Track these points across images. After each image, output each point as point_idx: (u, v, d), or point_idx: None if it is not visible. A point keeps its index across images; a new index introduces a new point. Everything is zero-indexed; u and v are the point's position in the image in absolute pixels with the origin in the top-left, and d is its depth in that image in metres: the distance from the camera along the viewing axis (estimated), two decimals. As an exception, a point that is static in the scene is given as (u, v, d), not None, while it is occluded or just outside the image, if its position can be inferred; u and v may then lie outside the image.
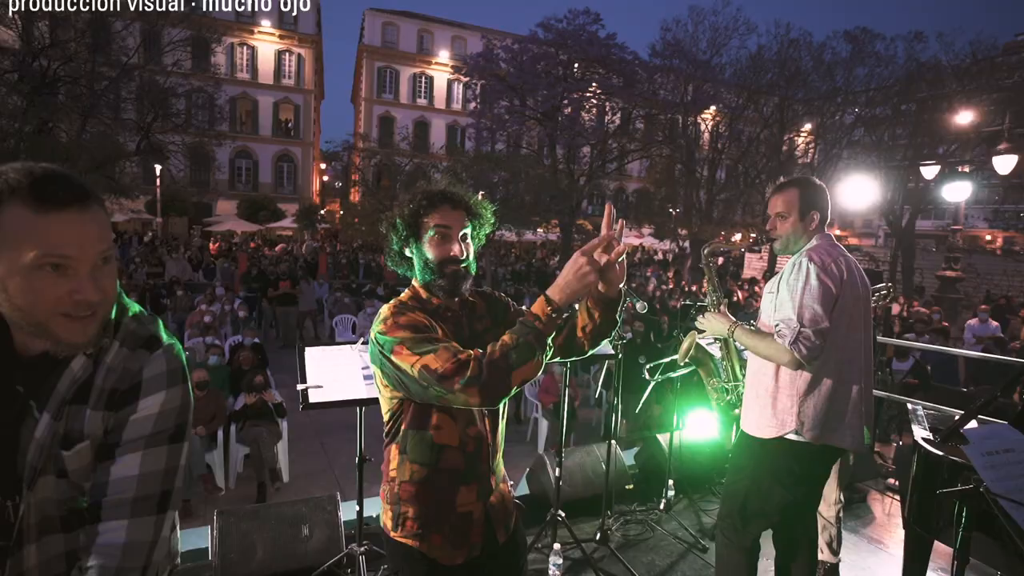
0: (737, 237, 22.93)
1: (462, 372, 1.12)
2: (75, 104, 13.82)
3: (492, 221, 1.42)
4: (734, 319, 2.02)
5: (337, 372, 2.16)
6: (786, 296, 1.81)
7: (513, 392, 1.16)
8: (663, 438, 3.53)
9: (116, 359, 0.87)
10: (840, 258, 1.85)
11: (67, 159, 11.29)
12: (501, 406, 1.39)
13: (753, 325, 1.99)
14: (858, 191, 11.54)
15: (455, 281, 1.31)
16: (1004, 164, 9.35)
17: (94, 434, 0.85)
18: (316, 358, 2.17)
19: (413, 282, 1.38)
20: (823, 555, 2.63)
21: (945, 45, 19.97)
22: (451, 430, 1.30)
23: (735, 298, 12.11)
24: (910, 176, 19.24)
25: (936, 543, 1.96)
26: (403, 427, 1.32)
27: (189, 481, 4.38)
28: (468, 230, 1.34)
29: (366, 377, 2.19)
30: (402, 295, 1.37)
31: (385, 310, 1.30)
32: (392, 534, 1.35)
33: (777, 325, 1.81)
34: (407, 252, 1.36)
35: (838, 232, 38.39)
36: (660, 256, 30.84)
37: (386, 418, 1.36)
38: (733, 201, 24.95)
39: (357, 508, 2.35)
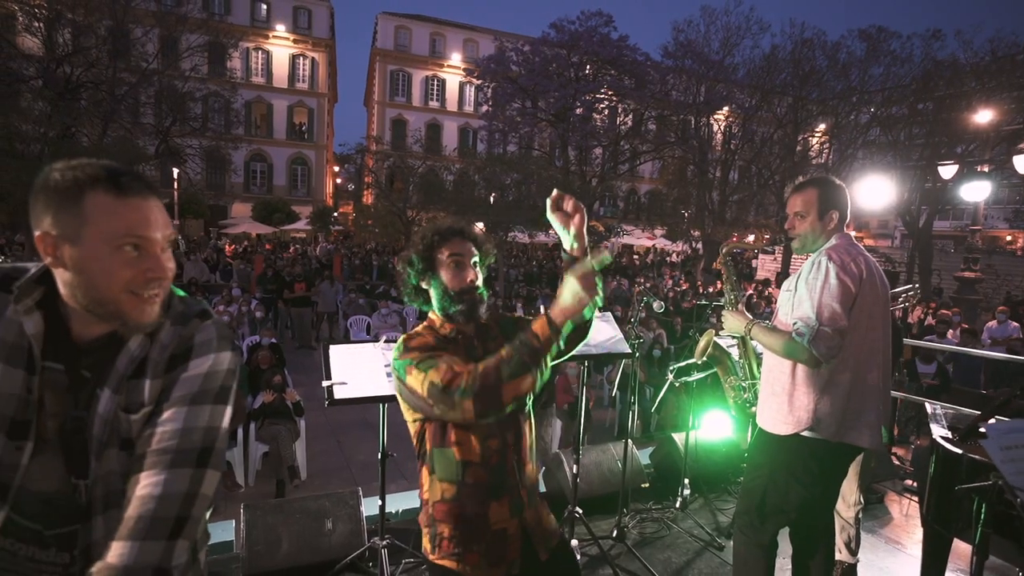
0: (750, 238, 22.74)
1: (457, 382, 1.17)
2: (97, 109, 14.14)
3: (494, 252, 1.51)
4: (752, 317, 2.04)
5: (360, 370, 2.22)
6: (805, 294, 1.82)
7: (508, 408, 1.18)
8: (679, 437, 3.55)
9: (168, 335, 0.93)
10: (859, 257, 1.87)
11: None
12: (525, 418, 1.43)
13: (770, 324, 2.01)
14: (874, 191, 11.42)
15: (473, 306, 1.39)
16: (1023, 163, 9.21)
17: (146, 400, 0.90)
18: (340, 356, 2.23)
19: (431, 314, 1.45)
20: (841, 555, 2.63)
21: (964, 43, 19.67)
22: (471, 445, 1.33)
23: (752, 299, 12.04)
24: (927, 176, 18.96)
25: (956, 542, 1.96)
26: (428, 447, 1.37)
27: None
28: (476, 259, 1.42)
29: (388, 375, 2.25)
30: (418, 327, 1.44)
31: (401, 339, 1.37)
32: (431, 557, 1.37)
33: (796, 323, 1.82)
34: (423, 285, 1.43)
35: (853, 233, 37.74)
36: (674, 258, 30.66)
37: (415, 442, 1.41)
38: (746, 202, 24.75)
39: (380, 503, 2.40)
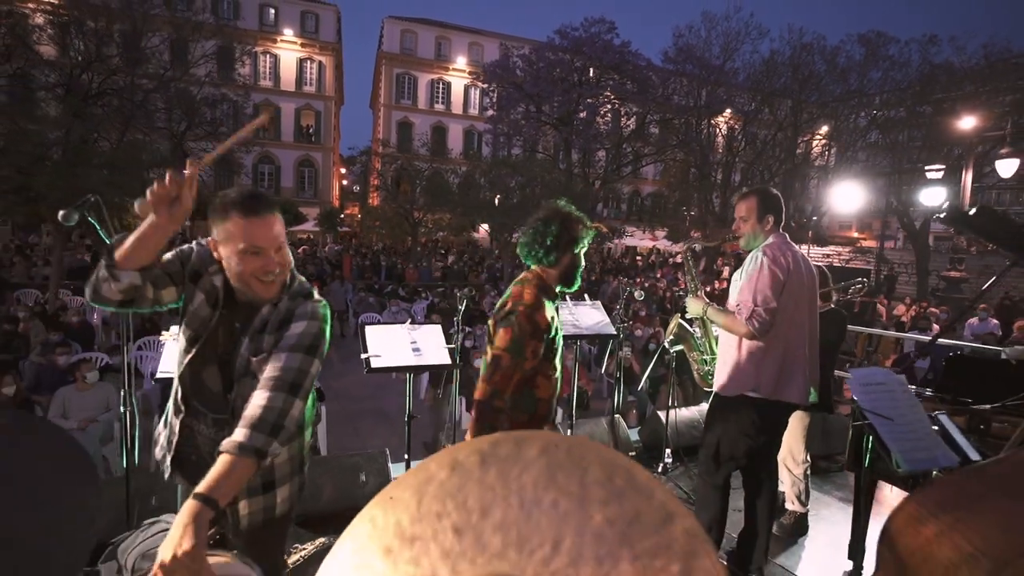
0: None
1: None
2: (117, 115, 14.68)
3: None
4: (708, 301, 2.52)
5: (392, 345, 2.70)
6: (745, 282, 2.30)
7: None
8: (663, 415, 4.03)
9: (284, 305, 1.46)
10: (788, 253, 2.33)
11: (113, 166, 12.06)
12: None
13: (723, 307, 2.49)
14: (868, 193, 11.84)
15: None
16: (1006, 167, 9.63)
17: (267, 348, 1.43)
18: (374, 334, 2.71)
19: (537, 268, 1.92)
20: (794, 506, 3.10)
21: (957, 49, 20.05)
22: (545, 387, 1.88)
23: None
24: (922, 178, 19.33)
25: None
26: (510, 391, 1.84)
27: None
28: None
29: (414, 349, 2.73)
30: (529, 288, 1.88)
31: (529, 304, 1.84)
32: None
33: (737, 305, 2.30)
34: (556, 252, 1.88)
35: (856, 234, 38.04)
36: (678, 259, 31.05)
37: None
38: (748, 203, 25.08)
39: (406, 457, 2.89)
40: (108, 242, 1.38)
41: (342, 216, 34.36)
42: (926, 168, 10.83)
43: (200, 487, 1.15)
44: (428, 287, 15.52)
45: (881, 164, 23.32)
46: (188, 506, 1.10)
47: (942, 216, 2.04)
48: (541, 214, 1.90)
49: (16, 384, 4.77)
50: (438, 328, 2.87)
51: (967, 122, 10.31)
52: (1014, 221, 2.11)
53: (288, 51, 32.69)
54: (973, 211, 1.91)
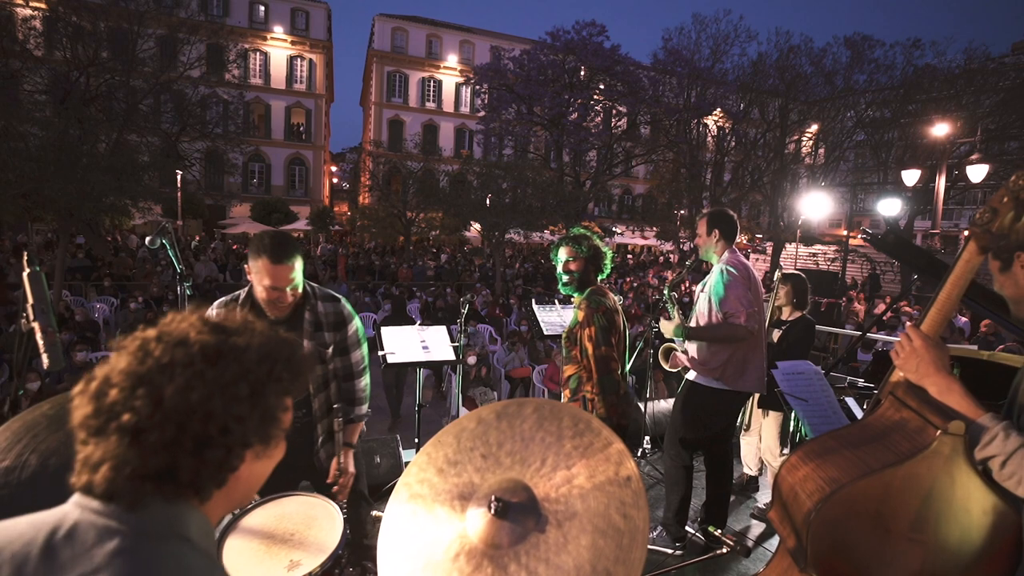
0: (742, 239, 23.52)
1: None
2: (113, 118, 14.81)
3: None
4: (685, 323, 2.85)
5: (404, 343, 3.12)
6: (724, 294, 2.69)
7: None
8: (641, 406, 4.48)
9: (323, 307, 1.99)
10: (745, 267, 2.77)
11: (109, 169, 12.23)
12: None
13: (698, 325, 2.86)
14: (851, 195, 12.39)
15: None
16: (976, 172, 10.22)
17: (331, 342, 1.94)
18: (390, 334, 3.13)
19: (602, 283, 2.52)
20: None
21: (938, 54, 20.70)
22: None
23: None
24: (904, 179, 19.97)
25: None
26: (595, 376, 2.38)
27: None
28: None
29: (423, 347, 3.15)
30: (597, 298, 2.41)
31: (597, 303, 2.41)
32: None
33: (726, 313, 2.67)
34: (592, 266, 2.46)
35: (845, 233, 38.81)
36: (673, 259, 31.56)
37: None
38: (738, 202, 25.60)
39: (416, 441, 3.31)
40: (179, 267, 1.85)
41: (332, 214, 34.50)
42: (902, 172, 11.39)
43: (350, 440, 2.03)
44: (421, 286, 15.87)
45: (868, 164, 23.96)
46: (347, 450, 1.98)
47: (865, 236, 2.49)
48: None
49: (40, 381, 5.12)
50: (443, 329, 3.29)
51: (940, 129, 10.89)
52: (915, 246, 2.58)
53: (278, 49, 32.63)
54: (881, 235, 2.36)
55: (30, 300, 1.33)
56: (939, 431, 1.15)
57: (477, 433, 1.20)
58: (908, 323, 1.61)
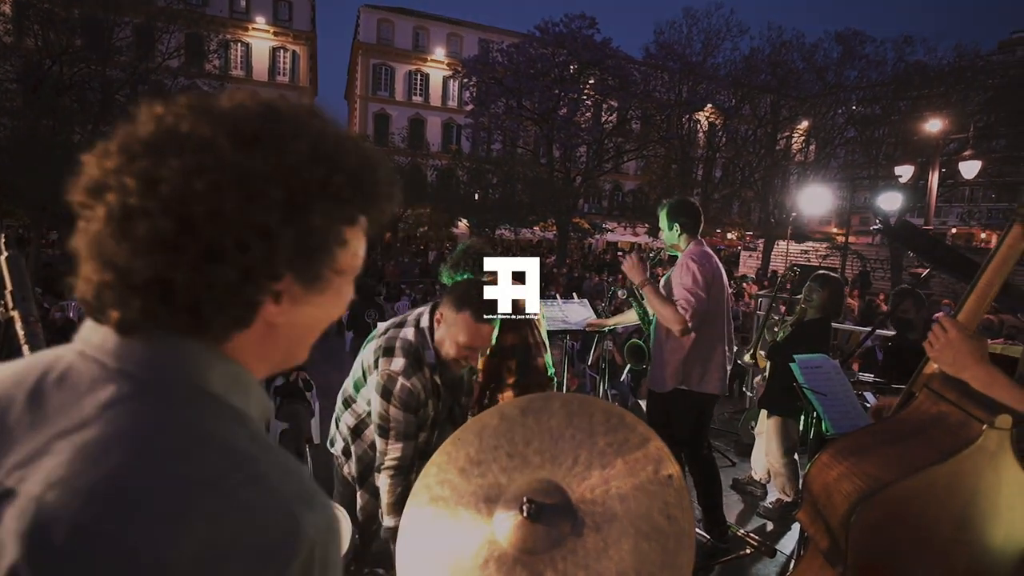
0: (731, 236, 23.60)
1: None
2: (88, 109, 14.36)
3: None
4: (650, 281, 2.72)
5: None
6: (680, 283, 2.65)
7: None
8: (643, 404, 4.45)
9: None
10: (708, 259, 2.72)
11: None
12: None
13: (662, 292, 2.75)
14: (843, 191, 12.45)
15: None
16: (969, 169, 10.37)
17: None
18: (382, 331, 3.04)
19: None
20: (782, 495, 3.51)
21: (928, 51, 20.93)
22: None
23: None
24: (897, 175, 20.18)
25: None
26: None
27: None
28: None
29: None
30: None
31: None
32: None
33: (678, 300, 2.62)
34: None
35: (834, 229, 39.27)
36: (664, 256, 31.45)
37: None
38: (730, 197, 25.66)
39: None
40: None
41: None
42: (895, 168, 11.50)
43: None
44: (410, 284, 15.68)
45: (859, 160, 24.16)
46: None
47: (876, 228, 2.46)
48: None
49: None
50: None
51: (933, 125, 11.01)
52: (928, 235, 2.55)
53: (260, 40, 31.98)
54: (895, 224, 2.33)
55: (8, 287, 1.18)
56: (984, 425, 1.10)
57: (501, 430, 1.12)
58: (940, 314, 1.56)
